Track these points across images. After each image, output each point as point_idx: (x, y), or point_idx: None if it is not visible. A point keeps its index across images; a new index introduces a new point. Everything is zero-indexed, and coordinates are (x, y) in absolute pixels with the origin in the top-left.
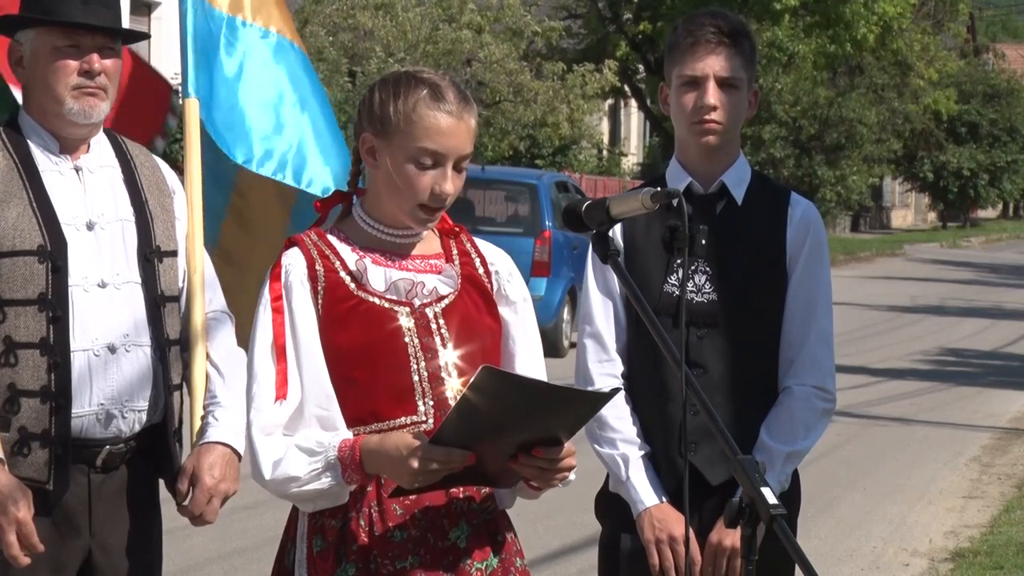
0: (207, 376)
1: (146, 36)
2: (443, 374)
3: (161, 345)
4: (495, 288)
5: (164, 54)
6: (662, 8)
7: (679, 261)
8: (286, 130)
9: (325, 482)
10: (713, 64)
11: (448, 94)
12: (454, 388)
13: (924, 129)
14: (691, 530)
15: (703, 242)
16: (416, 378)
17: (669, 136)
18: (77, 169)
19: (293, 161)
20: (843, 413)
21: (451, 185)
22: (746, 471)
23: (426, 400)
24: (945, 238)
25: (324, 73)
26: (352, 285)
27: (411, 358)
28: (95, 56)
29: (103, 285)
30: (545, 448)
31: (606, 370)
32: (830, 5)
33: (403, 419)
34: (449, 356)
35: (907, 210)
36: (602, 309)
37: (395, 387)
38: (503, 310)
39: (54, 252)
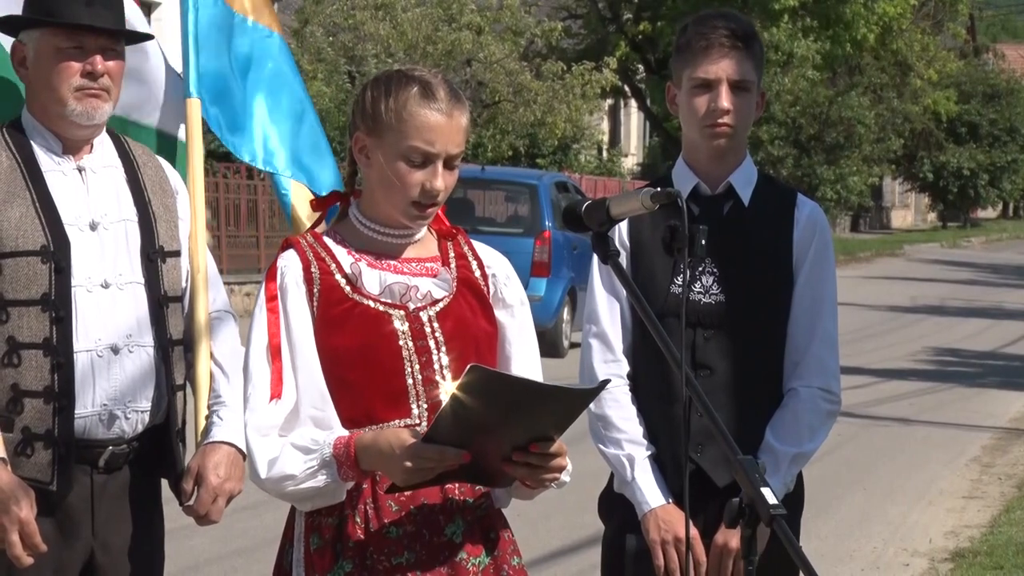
0: (211, 375)
1: (149, 37)
2: (437, 377)
3: (164, 345)
4: (492, 291)
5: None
6: (662, 8)
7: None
8: (291, 127)
9: (321, 480)
10: (726, 67)
11: (439, 92)
12: (448, 391)
13: (924, 129)
14: (696, 531)
15: (703, 242)
16: (410, 381)
17: (669, 136)
18: (80, 169)
19: (295, 158)
20: (843, 413)
21: (442, 182)
22: (746, 471)
23: (420, 403)
24: (945, 238)
25: (323, 73)
26: (347, 288)
27: (405, 361)
28: (98, 58)
29: (106, 285)
30: (538, 444)
31: (612, 370)
32: (830, 6)
33: (397, 422)
34: (443, 359)
35: (907, 210)
36: (608, 309)
37: (389, 390)
38: (499, 313)
39: (57, 252)
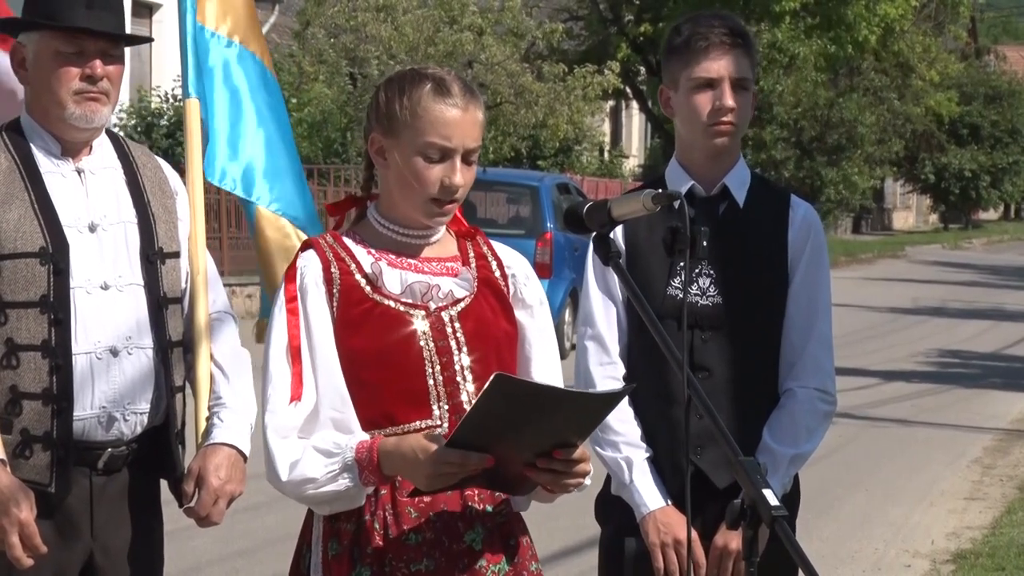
0: (211, 377)
1: (148, 40)
2: (458, 378)
3: (163, 347)
4: (511, 291)
5: (166, 56)
6: (664, 10)
7: (681, 263)
8: (241, 144)
9: (342, 483)
10: (727, 66)
11: (453, 87)
12: (469, 392)
13: (925, 131)
14: (695, 533)
15: (704, 244)
16: (431, 382)
17: (670, 138)
18: (79, 171)
19: (243, 178)
20: (844, 415)
21: (460, 177)
22: (747, 472)
23: (441, 404)
24: (946, 240)
25: (325, 75)
26: (367, 288)
27: (426, 362)
28: (98, 62)
29: (105, 287)
30: (562, 450)
31: (608, 373)
32: (831, 7)
33: (418, 423)
34: (464, 360)
35: (908, 212)
36: (603, 311)
37: (410, 391)
38: (519, 314)
39: (56, 254)
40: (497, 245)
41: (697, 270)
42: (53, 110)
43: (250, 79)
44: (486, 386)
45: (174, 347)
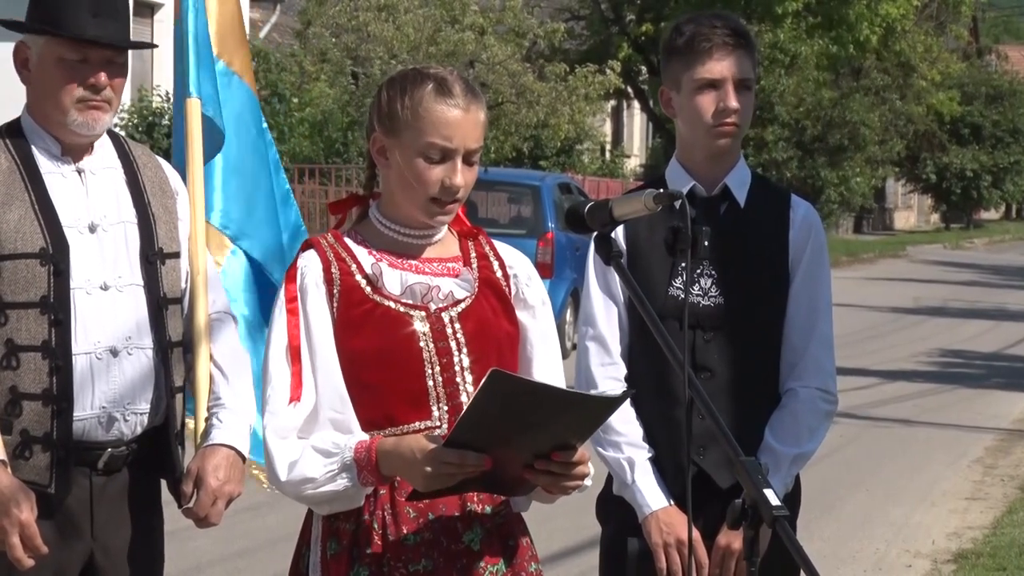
0: (211, 377)
1: (152, 46)
2: (458, 379)
3: (163, 347)
4: (513, 292)
5: (167, 56)
6: (665, 10)
7: (683, 264)
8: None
9: (341, 483)
10: (731, 66)
11: (454, 87)
12: (469, 393)
13: (927, 130)
14: (698, 533)
15: (705, 244)
16: (431, 383)
17: (671, 138)
18: (79, 171)
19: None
20: (846, 414)
21: (461, 178)
22: (749, 472)
23: (440, 405)
24: (948, 239)
25: (328, 74)
26: (368, 289)
27: (426, 363)
28: (103, 75)
29: (105, 288)
30: (560, 453)
31: (610, 373)
32: (833, 7)
33: (417, 424)
34: (464, 361)
35: (910, 211)
36: (604, 311)
37: (409, 392)
38: (521, 314)
39: (56, 255)
40: (499, 245)
41: (699, 270)
42: (55, 115)
43: (230, 103)
44: (482, 382)
45: (174, 347)
